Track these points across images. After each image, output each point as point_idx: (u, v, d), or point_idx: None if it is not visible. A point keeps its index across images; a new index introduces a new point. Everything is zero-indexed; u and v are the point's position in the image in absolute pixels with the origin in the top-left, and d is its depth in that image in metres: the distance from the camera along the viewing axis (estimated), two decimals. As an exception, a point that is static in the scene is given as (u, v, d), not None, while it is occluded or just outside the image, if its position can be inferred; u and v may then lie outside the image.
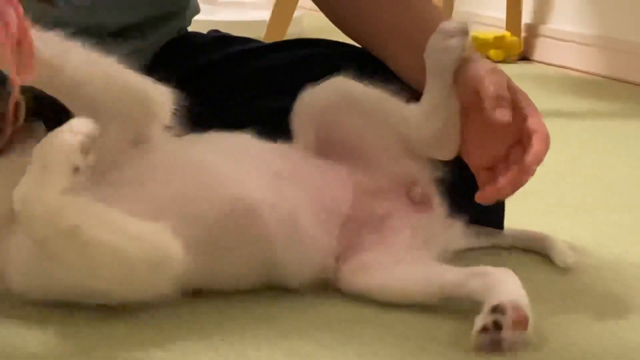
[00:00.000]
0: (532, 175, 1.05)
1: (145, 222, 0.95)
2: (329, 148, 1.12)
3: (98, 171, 0.96)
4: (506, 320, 0.95)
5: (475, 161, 1.12)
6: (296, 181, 1.07)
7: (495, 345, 0.95)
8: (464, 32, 1.08)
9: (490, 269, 1.02)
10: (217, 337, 0.97)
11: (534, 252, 1.24)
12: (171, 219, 0.97)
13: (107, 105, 0.98)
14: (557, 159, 1.78)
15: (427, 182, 1.13)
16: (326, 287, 1.07)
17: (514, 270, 1.07)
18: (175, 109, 1.03)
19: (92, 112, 0.98)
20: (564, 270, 1.20)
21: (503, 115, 1.04)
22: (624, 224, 1.41)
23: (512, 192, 1.07)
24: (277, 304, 1.05)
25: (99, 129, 0.93)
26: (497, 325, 0.95)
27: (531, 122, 1.08)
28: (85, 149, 0.92)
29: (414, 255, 1.08)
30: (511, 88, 1.09)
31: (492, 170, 1.10)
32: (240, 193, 1.02)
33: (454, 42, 1.08)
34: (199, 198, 1.01)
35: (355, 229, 1.09)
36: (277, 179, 1.06)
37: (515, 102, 1.08)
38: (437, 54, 1.08)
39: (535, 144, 1.05)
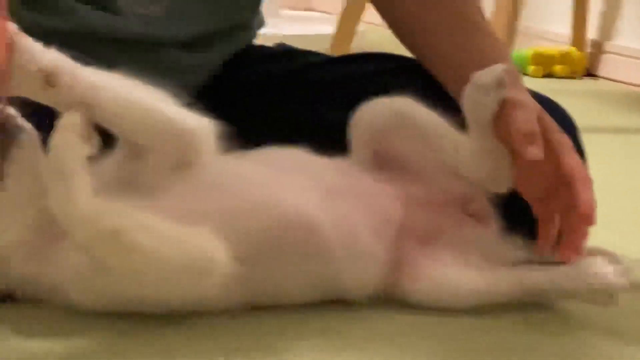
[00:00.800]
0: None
1: (185, 227, 0.95)
2: (384, 163, 1.12)
3: (138, 194, 0.97)
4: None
5: (525, 194, 1.10)
6: (351, 196, 1.07)
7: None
8: (500, 84, 1.05)
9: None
10: (279, 347, 0.98)
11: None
12: (219, 234, 0.96)
13: (142, 140, 0.98)
14: (623, 177, 1.78)
15: (482, 198, 1.12)
16: (382, 299, 1.07)
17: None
18: (217, 141, 1.01)
19: (130, 143, 0.99)
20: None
21: (534, 153, 1.02)
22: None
23: (584, 245, 1.05)
24: (334, 316, 1.04)
25: (86, 112, 0.94)
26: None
27: (567, 163, 1.06)
28: (85, 137, 0.93)
29: (473, 261, 1.08)
30: (541, 120, 1.07)
31: (546, 201, 1.09)
32: (297, 209, 1.02)
33: (489, 98, 1.05)
34: (250, 213, 1.00)
35: (411, 241, 1.09)
36: (332, 195, 1.05)
37: (547, 139, 1.06)
38: (474, 107, 1.07)
39: (582, 192, 1.04)
